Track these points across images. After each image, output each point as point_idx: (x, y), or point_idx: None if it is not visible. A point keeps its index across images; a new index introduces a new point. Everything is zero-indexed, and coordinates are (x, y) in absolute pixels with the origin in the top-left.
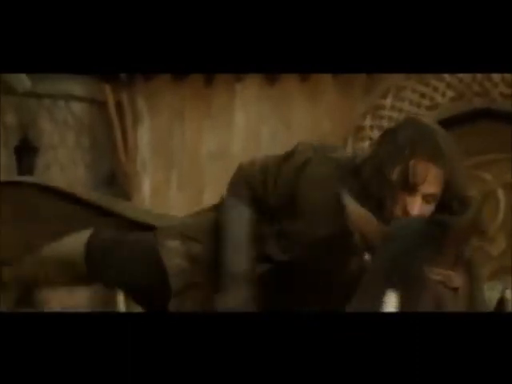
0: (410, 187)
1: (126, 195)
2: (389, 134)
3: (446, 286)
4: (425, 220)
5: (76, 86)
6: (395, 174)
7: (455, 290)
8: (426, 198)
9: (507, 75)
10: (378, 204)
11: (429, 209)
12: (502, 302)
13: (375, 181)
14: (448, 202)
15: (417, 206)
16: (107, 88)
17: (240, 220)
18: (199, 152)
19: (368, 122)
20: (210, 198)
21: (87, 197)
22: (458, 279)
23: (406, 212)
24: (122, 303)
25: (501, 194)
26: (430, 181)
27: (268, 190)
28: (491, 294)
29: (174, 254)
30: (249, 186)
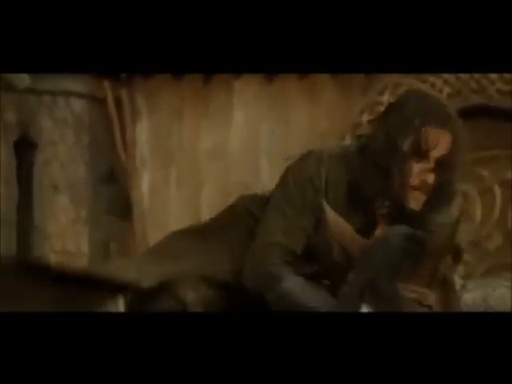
0: (422, 154)
1: (126, 192)
2: (394, 109)
3: (420, 303)
4: (403, 235)
5: (75, 83)
6: (407, 145)
7: (429, 307)
8: (438, 161)
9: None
10: (385, 175)
11: (438, 173)
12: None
13: (386, 153)
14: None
15: (430, 173)
16: (106, 85)
17: (296, 289)
18: (198, 150)
19: (365, 118)
20: (208, 196)
21: (86, 272)
22: (432, 297)
23: (420, 180)
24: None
25: (497, 190)
26: (441, 146)
27: (305, 243)
28: (486, 291)
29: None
30: (287, 255)
